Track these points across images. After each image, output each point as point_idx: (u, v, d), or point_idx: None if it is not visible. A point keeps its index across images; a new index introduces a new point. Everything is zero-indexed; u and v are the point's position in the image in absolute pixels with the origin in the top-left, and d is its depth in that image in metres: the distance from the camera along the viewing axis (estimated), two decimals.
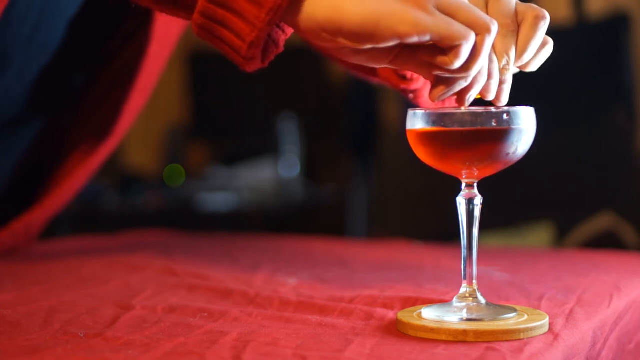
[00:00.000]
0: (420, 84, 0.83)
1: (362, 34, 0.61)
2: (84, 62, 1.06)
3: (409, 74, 0.81)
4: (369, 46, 0.62)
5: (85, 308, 0.73)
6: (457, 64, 0.62)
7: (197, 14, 0.64)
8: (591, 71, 1.96)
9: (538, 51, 0.72)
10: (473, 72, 0.64)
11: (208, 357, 0.57)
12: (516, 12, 0.69)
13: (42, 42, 0.97)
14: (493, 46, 0.67)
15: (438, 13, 0.61)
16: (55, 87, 1.04)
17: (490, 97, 0.68)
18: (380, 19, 0.60)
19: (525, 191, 2.00)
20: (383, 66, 0.65)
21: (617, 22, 1.98)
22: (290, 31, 0.66)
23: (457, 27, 0.61)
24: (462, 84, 0.65)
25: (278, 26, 0.65)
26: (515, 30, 0.68)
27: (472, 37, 0.61)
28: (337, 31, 0.62)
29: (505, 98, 0.69)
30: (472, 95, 0.66)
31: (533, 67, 0.73)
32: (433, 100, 0.67)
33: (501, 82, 0.68)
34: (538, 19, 0.68)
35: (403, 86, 0.83)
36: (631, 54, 1.97)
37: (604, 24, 2.01)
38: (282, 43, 0.66)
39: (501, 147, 0.65)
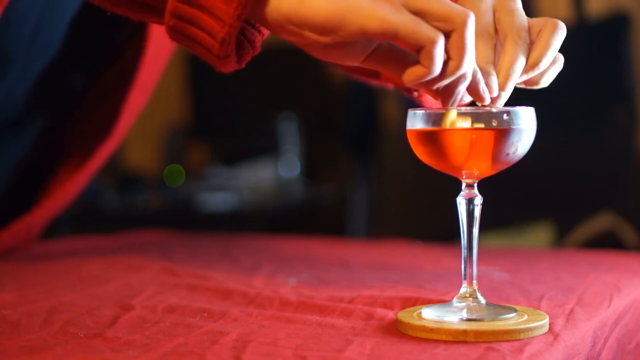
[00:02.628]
0: None
1: (328, 27, 0.61)
2: (85, 63, 1.06)
3: None
4: (335, 41, 0.61)
5: (85, 308, 0.73)
6: (435, 68, 0.61)
7: (167, 14, 0.64)
8: (591, 71, 1.96)
9: (549, 66, 0.73)
10: (466, 66, 0.62)
11: (208, 357, 0.57)
12: (530, 27, 0.70)
13: (43, 42, 0.97)
14: (504, 52, 0.68)
15: (407, 12, 0.61)
16: (57, 88, 1.04)
17: (486, 101, 0.67)
18: (347, 13, 0.60)
19: (525, 191, 2.00)
20: (355, 64, 0.65)
21: (617, 22, 1.98)
22: (266, 32, 0.66)
23: (424, 28, 0.60)
24: (465, 83, 0.64)
25: (253, 26, 0.65)
26: (528, 41, 0.69)
27: (440, 39, 0.60)
28: (302, 24, 0.61)
29: (500, 104, 0.69)
30: (457, 97, 0.65)
31: (544, 83, 0.74)
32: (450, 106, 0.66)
33: (501, 89, 0.68)
34: (557, 27, 0.70)
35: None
36: (631, 54, 1.97)
37: (604, 24, 2.01)
38: (258, 44, 0.66)
39: (501, 147, 0.65)
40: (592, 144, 2.00)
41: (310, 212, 2.87)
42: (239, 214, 2.75)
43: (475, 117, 0.64)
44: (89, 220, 2.65)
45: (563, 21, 0.72)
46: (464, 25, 0.61)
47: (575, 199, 2.00)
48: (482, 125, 0.64)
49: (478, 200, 0.67)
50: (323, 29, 0.61)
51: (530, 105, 0.67)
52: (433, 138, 0.66)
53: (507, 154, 0.65)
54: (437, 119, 0.65)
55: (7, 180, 1.05)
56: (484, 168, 0.66)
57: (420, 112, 0.66)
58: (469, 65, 0.63)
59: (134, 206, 2.75)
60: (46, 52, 0.98)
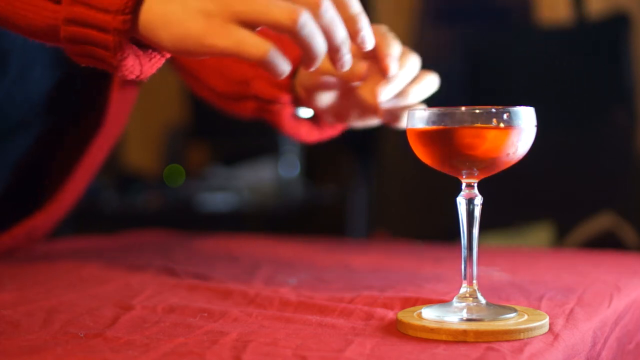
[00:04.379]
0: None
1: (180, 52, 0.66)
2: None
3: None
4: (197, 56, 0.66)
5: (85, 308, 0.73)
6: (278, 73, 0.65)
7: (72, 58, 0.70)
8: (591, 71, 1.97)
9: (420, 79, 0.85)
10: (321, 53, 0.66)
11: (208, 357, 0.57)
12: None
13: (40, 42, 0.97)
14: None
15: (236, 29, 0.64)
16: (56, 90, 1.04)
17: (369, 46, 0.71)
18: (186, 42, 0.65)
19: (525, 191, 2.00)
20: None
21: (617, 22, 1.98)
22: None
23: (249, 45, 0.64)
24: (341, 50, 0.67)
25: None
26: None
27: (268, 52, 0.63)
28: (164, 49, 0.67)
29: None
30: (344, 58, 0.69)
31: (412, 99, 0.85)
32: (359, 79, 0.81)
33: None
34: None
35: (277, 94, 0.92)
36: (631, 54, 1.97)
37: (604, 24, 2.01)
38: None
39: (501, 147, 0.65)
40: (592, 144, 2.00)
41: (310, 212, 2.87)
42: (239, 214, 2.75)
43: (475, 117, 0.64)
44: (89, 220, 2.64)
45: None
46: (294, 26, 0.63)
47: (575, 199, 2.00)
48: (482, 125, 0.64)
49: (478, 200, 0.67)
50: (178, 53, 0.66)
51: (531, 105, 0.67)
52: (433, 138, 0.66)
53: (507, 154, 0.65)
54: (437, 118, 0.65)
55: (7, 181, 1.05)
56: (484, 168, 0.66)
57: (420, 111, 0.66)
58: (322, 51, 0.65)
59: (133, 206, 2.74)
60: (44, 51, 0.98)
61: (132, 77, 0.70)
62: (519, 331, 0.62)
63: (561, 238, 1.99)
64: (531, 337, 0.62)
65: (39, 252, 1.09)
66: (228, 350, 0.58)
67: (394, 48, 0.83)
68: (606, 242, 1.88)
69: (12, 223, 1.03)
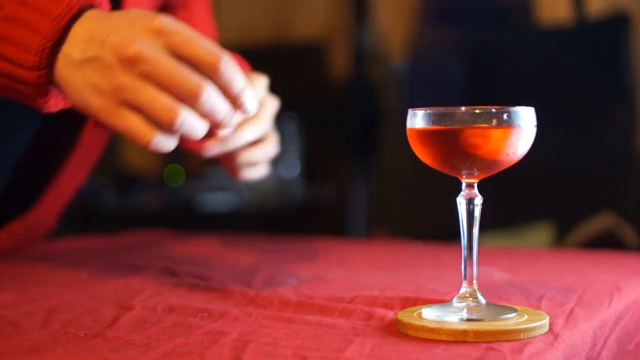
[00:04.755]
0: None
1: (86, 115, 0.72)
2: None
3: None
4: None
5: (85, 308, 0.73)
6: (165, 150, 0.71)
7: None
8: (591, 71, 1.97)
9: (259, 145, 0.94)
10: (201, 133, 0.71)
11: (208, 357, 0.57)
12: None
13: None
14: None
15: (125, 114, 0.69)
16: None
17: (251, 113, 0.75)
18: (87, 110, 0.71)
19: (526, 191, 2.00)
20: None
21: (617, 22, 1.99)
22: None
23: (136, 132, 0.69)
24: (228, 127, 0.73)
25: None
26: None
27: (150, 141, 0.69)
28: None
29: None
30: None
31: (240, 160, 0.94)
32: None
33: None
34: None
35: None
36: (631, 54, 1.97)
37: (604, 24, 2.01)
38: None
39: (501, 147, 0.65)
40: (592, 144, 2.01)
41: (310, 212, 2.87)
42: (239, 214, 2.75)
43: (475, 117, 0.64)
44: (89, 220, 2.64)
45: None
46: (172, 125, 0.68)
47: (575, 199, 2.00)
48: (482, 125, 0.64)
49: (478, 200, 0.67)
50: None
51: (531, 105, 0.67)
52: (433, 138, 0.66)
53: (507, 154, 0.65)
54: (437, 118, 0.65)
55: (7, 181, 1.05)
56: (484, 168, 0.66)
57: (420, 111, 0.66)
58: (200, 136, 0.71)
59: (133, 206, 2.74)
60: None
61: (59, 108, 0.76)
62: (519, 331, 0.62)
63: (561, 238, 1.99)
64: (531, 337, 0.62)
65: (39, 252, 1.09)
66: (228, 350, 0.58)
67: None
68: (606, 242, 1.88)
69: (12, 222, 1.03)
